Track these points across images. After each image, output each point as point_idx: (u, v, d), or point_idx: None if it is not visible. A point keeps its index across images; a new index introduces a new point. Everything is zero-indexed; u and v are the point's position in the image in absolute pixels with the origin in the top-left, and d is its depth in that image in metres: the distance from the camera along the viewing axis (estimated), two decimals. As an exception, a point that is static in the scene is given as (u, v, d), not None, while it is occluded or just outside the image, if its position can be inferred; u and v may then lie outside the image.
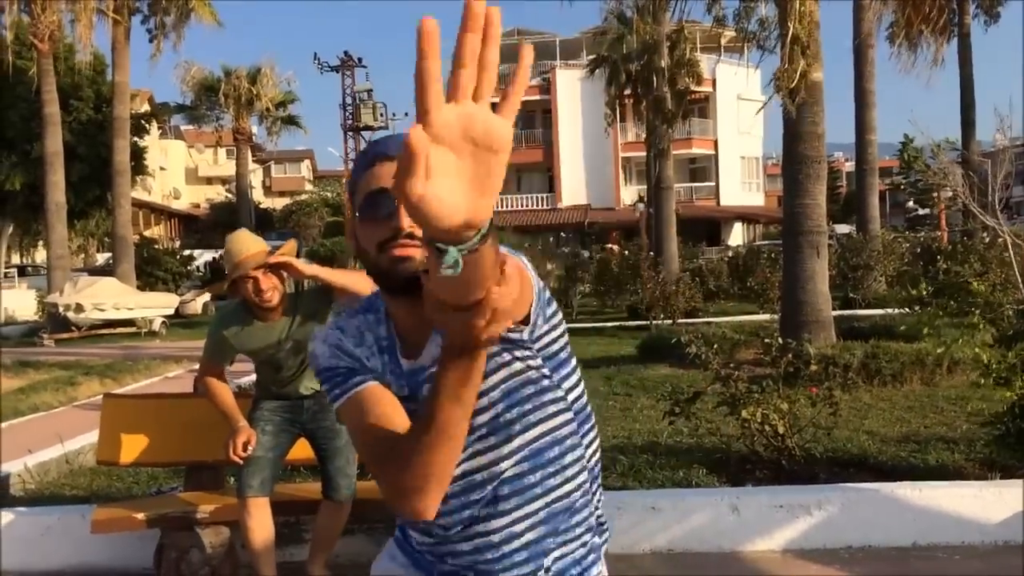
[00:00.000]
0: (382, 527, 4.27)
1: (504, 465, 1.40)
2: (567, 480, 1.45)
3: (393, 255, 1.33)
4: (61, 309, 18.05)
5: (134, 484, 5.41)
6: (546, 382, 1.41)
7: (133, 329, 18.68)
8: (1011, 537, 4.10)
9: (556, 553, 1.47)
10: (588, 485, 1.49)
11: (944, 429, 6.03)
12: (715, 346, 5.69)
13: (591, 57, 33.20)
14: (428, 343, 1.39)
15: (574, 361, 1.49)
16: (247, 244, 3.36)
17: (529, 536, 1.44)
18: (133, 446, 4.14)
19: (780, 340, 7.13)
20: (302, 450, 3.70)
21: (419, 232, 1.28)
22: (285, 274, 3.39)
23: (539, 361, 1.41)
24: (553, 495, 1.44)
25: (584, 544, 1.50)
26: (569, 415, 1.44)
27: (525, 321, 1.33)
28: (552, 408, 1.42)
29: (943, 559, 3.99)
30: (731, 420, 5.15)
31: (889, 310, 12.94)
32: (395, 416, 1.34)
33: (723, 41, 30.46)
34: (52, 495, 5.29)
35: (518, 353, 1.38)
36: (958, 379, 7.77)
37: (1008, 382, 4.58)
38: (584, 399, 1.50)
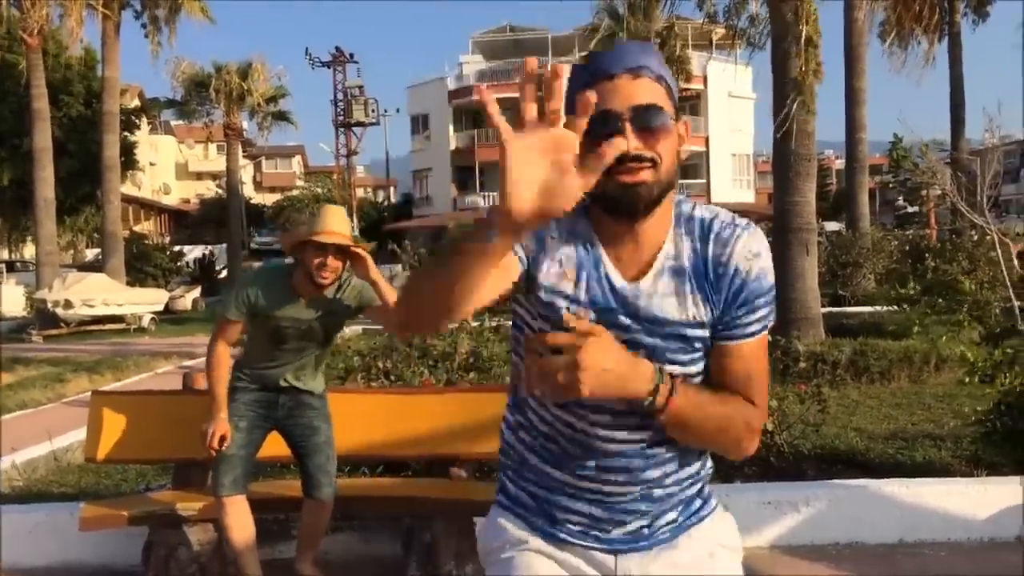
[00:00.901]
0: (372, 523, 4.27)
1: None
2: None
3: (622, 180, 1.33)
4: (50, 305, 17.97)
5: (122, 481, 5.40)
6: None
7: (122, 325, 18.62)
8: (997, 534, 4.13)
9: (687, 492, 1.56)
10: None
11: (931, 426, 6.06)
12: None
13: (583, 54, 33.21)
14: (653, 269, 1.41)
15: None
16: (340, 221, 3.34)
17: (671, 488, 1.53)
18: (121, 443, 4.12)
19: (769, 337, 7.19)
20: (286, 447, 3.68)
21: (647, 154, 1.34)
22: (347, 266, 3.40)
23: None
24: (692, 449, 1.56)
25: (702, 481, 1.61)
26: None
27: None
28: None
29: (930, 556, 4.01)
30: (720, 417, 5.16)
31: (878, 307, 12.99)
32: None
33: (714, 38, 30.48)
34: (40, 492, 5.27)
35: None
36: (946, 376, 7.81)
37: (993, 379, 4.62)
38: None
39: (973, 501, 4.18)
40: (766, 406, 1.48)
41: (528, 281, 1.44)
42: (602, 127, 1.31)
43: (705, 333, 1.44)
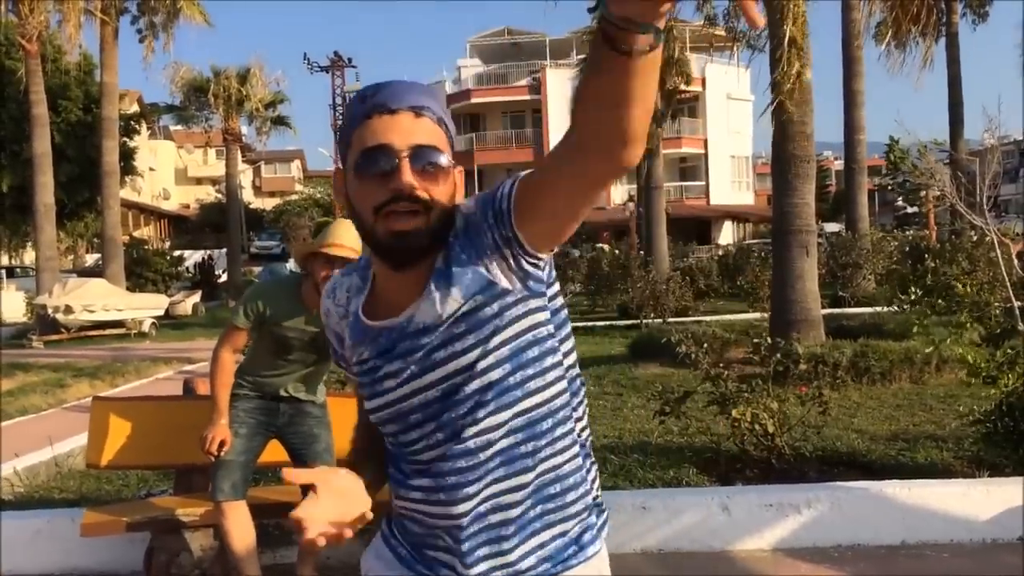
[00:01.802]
0: (371, 528, 4.27)
1: (498, 434, 1.33)
2: (559, 452, 1.38)
3: (393, 228, 1.26)
4: (50, 311, 17.97)
5: (124, 487, 5.39)
6: (550, 343, 1.34)
7: (123, 330, 18.61)
8: (999, 535, 4.12)
9: (551, 531, 1.39)
10: (581, 460, 1.42)
11: (933, 427, 6.06)
12: (705, 345, 5.71)
13: (581, 57, 33.24)
14: (414, 303, 1.32)
15: (569, 324, 1.43)
16: (350, 235, 3.33)
17: (517, 510, 1.37)
18: (122, 449, 4.12)
19: (770, 339, 7.17)
20: (286, 454, 3.68)
21: (421, 194, 1.26)
22: None
23: (548, 315, 1.35)
24: (544, 466, 1.37)
25: (581, 521, 1.42)
26: (564, 384, 1.38)
27: (539, 252, 1.28)
28: (552, 375, 1.35)
29: (932, 557, 4.01)
30: (721, 419, 5.16)
31: (878, 308, 13.00)
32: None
33: (713, 40, 30.53)
34: (41, 498, 5.27)
35: (533, 303, 1.32)
36: (947, 377, 7.81)
37: (995, 380, 4.61)
38: (576, 368, 1.44)
39: (975, 502, 4.18)
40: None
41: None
42: (378, 163, 1.26)
43: (507, 295, 1.29)
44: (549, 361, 1.35)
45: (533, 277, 1.31)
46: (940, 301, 6.21)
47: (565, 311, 1.40)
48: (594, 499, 1.45)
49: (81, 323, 18.27)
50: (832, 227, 31.48)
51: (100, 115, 21.54)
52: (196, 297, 24.66)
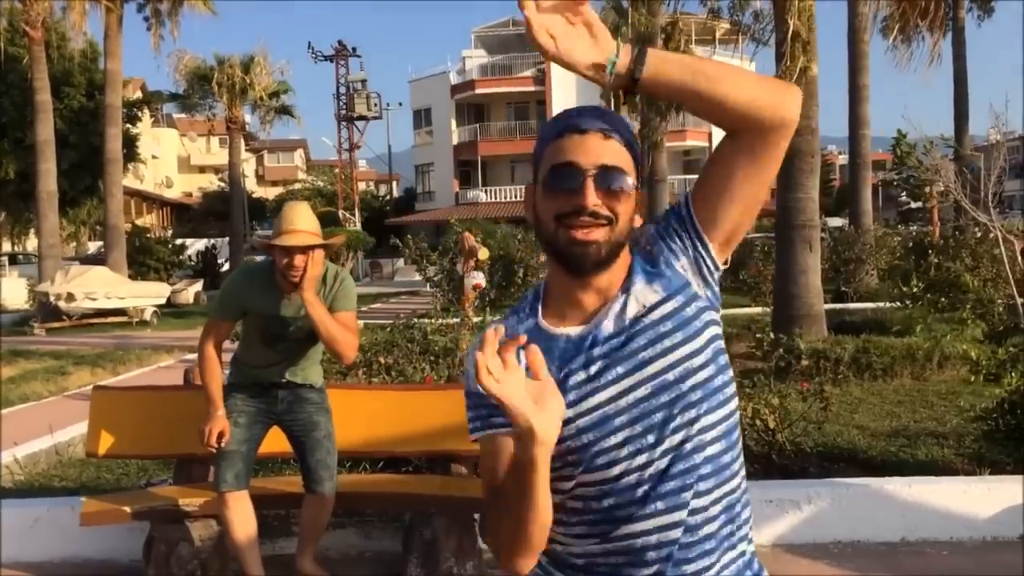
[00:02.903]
0: (372, 519, 4.27)
1: (708, 436, 1.32)
2: (741, 467, 1.38)
3: (574, 236, 1.31)
4: (52, 298, 17.97)
5: (124, 476, 5.40)
6: (726, 357, 1.38)
7: (124, 318, 18.61)
8: (1000, 533, 4.12)
9: (734, 551, 1.37)
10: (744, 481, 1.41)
11: (934, 424, 6.05)
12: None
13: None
14: (607, 306, 1.35)
15: None
16: (301, 218, 3.32)
17: (720, 521, 1.34)
18: (123, 438, 4.12)
19: (772, 334, 7.16)
20: (287, 443, 3.68)
21: (603, 212, 1.31)
22: (323, 257, 3.38)
23: (721, 331, 1.41)
24: (737, 480, 1.36)
25: (751, 543, 1.42)
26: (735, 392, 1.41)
27: (718, 258, 1.38)
28: (734, 385, 1.39)
29: (931, 554, 4.01)
30: (722, 414, 5.15)
31: (881, 304, 12.98)
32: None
33: (718, 34, 30.45)
34: (41, 486, 5.28)
35: (715, 316, 1.38)
36: (948, 374, 7.80)
37: (998, 378, 4.60)
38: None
39: (975, 500, 4.17)
40: None
41: None
42: (564, 180, 1.32)
43: (701, 300, 1.37)
44: (731, 372, 1.39)
45: (712, 289, 1.40)
46: (943, 297, 6.18)
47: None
48: (750, 514, 1.44)
49: (83, 310, 18.27)
50: (835, 222, 31.39)
51: (103, 102, 21.53)
52: (198, 286, 24.66)
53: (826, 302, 10.33)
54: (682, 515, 1.30)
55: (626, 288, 1.36)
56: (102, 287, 18.48)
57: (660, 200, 22.43)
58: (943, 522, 4.15)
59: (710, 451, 1.32)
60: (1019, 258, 6.07)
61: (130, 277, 21.32)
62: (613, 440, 1.31)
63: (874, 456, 5.18)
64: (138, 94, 38.68)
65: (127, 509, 3.72)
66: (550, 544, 1.37)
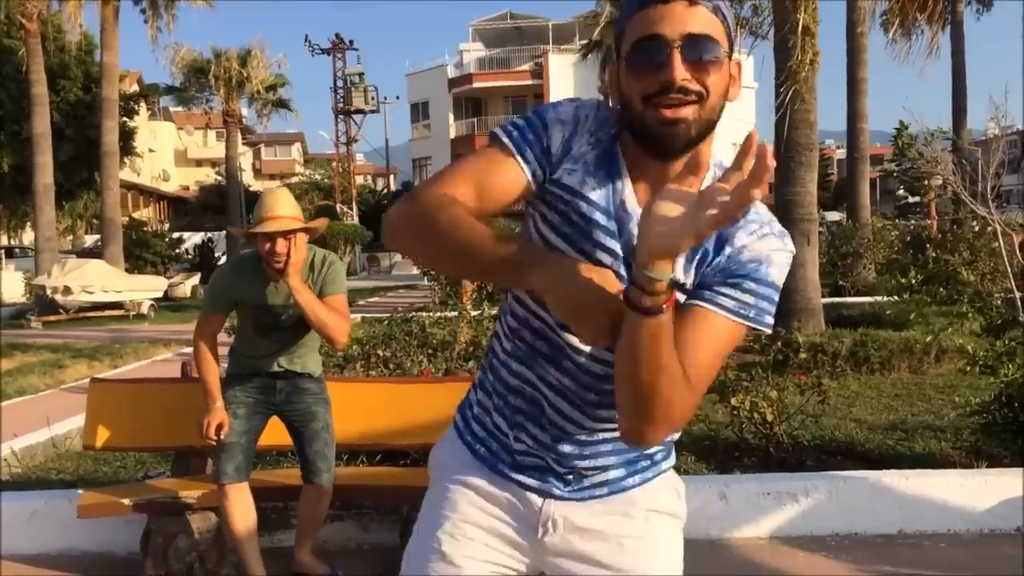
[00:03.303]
0: (370, 512, 4.27)
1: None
2: None
3: (663, 116, 1.23)
4: (49, 291, 17.94)
5: (121, 469, 5.39)
6: None
7: (121, 312, 18.59)
8: (997, 525, 4.12)
9: (639, 452, 1.49)
10: None
11: (931, 417, 6.06)
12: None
13: (584, 42, 33.10)
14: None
15: None
16: (280, 204, 3.31)
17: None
18: (120, 431, 4.11)
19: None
20: (286, 435, 3.67)
21: (693, 86, 1.24)
22: (306, 242, 3.37)
23: None
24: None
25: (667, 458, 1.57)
26: None
27: None
28: None
29: (928, 547, 4.01)
30: (720, 407, 5.16)
31: (878, 298, 12.99)
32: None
33: (716, 27, 30.39)
34: (39, 479, 5.27)
35: None
36: (946, 367, 7.81)
37: (995, 370, 4.60)
38: None
39: (973, 492, 4.17)
40: (697, 399, 1.28)
41: (542, 184, 1.36)
42: (648, 54, 1.23)
43: (681, 298, 1.32)
44: None
45: None
46: (941, 290, 6.19)
47: None
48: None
49: (79, 304, 18.25)
50: (833, 216, 31.40)
51: (100, 95, 21.45)
52: (195, 279, 24.63)
53: (824, 296, 10.35)
54: (591, 396, 1.42)
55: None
56: (99, 281, 18.45)
57: (658, 194, 22.34)
58: (940, 514, 4.16)
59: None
60: (1017, 252, 6.07)
61: (127, 271, 21.30)
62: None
63: (871, 449, 5.19)
64: (135, 87, 38.59)
65: (125, 501, 3.71)
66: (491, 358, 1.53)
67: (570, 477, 1.47)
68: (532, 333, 1.43)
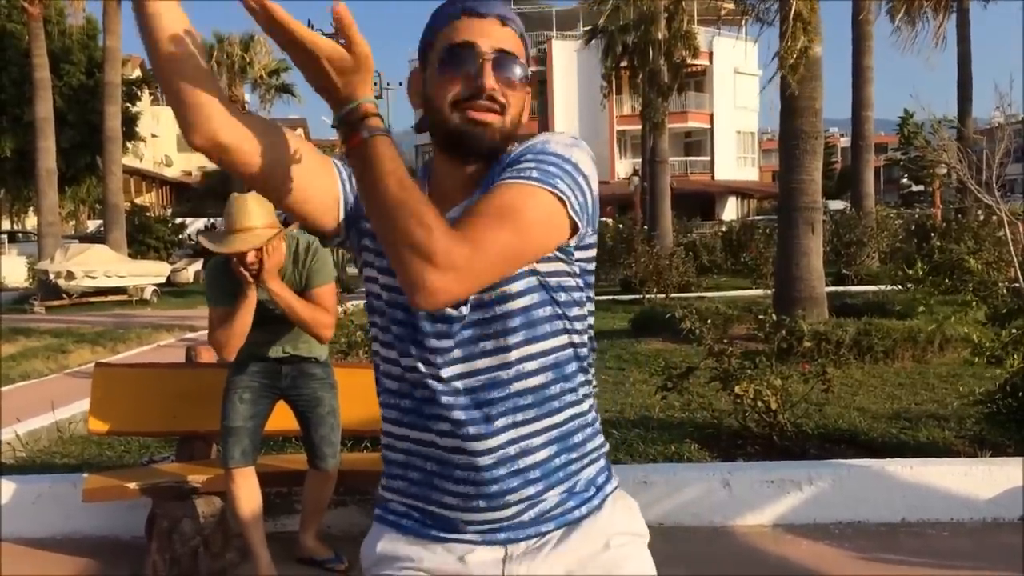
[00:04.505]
0: (373, 497, 4.27)
1: (531, 366, 1.32)
2: (582, 399, 1.40)
3: (471, 116, 1.28)
4: (52, 276, 17.97)
5: (125, 453, 5.41)
6: (577, 295, 1.37)
7: (124, 297, 18.62)
8: (1000, 514, 4.12)
9: (575, 478, 1.39)
10: (595, 410, 1.45)
11: (935, 406, 6.05)
12: (708, 321, 5.69)
13: (587, 28, 32.93)
14: (463, 203, 1.30)
15: (592, 282, 1.44)
16: (247, 215, 3.26)
17: (544, 453, 1.35)
18: (124, 415, 4.12)
19: (774, 316, 7.15)
20: (290, 421, 3.67)
21: (499, 97, 1.29)
22: (281, 244, 3.35)
23: (577, 271, 1.37)
24: (570, 411, 1.38)
25: (597, 465, 1.44)
26: (585, 336, 1.40)
27: (573, 231, 1.29)
28: (577, 321, 1.37)
29: (932, 535, 4.02)
30: (723, 395, 5.16)
31: (882, 287, 12.97)
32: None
33: (721, 13, 30.29)
34: (43, 463, 5.28)
35: (562, 256, 1.33)
36: (949, 356, 7.80)
37: (1000, 361, 4.59)
38: (592, 320, 1.44)
39: (976, 481, 4.17)
40: (479, 252, 1.15)
41: (354, 218, 1.38)
42: (462, 60, 1.28)
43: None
44: (575, 310, 1.37)
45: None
46: (946, 280, 6.17)
47: (592, 275, 1.42)
48: (602, 443, 1.47)
49: (83, 289, 18.28)
50: (837, 204, 31.35)
51: (103, 80, 21.39)
52: (198, 265, 24.62)
53: (828, 285, 10.33)
54: (495, 442, 1.32)
55: (487, 186, 1.29)
56: (101, 266, 18.47)
57: (662, 181, 22.33)
58: (944, 503, 4.16)
59: (532, 383, 1.33)
60: (1022, 240, 6.05)
61: (130, 256, 21.30)
62: (438, 343, 1.32)
63: (875, 438, 5.18)
64: (137, 72, 38.49)
65: (129, 485, 3.72)
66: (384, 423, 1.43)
67: (508, 515, 1.36)
68: (393, 346, 1.37)
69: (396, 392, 1.41)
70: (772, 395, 4.81)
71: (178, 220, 31.28)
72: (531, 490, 1.35)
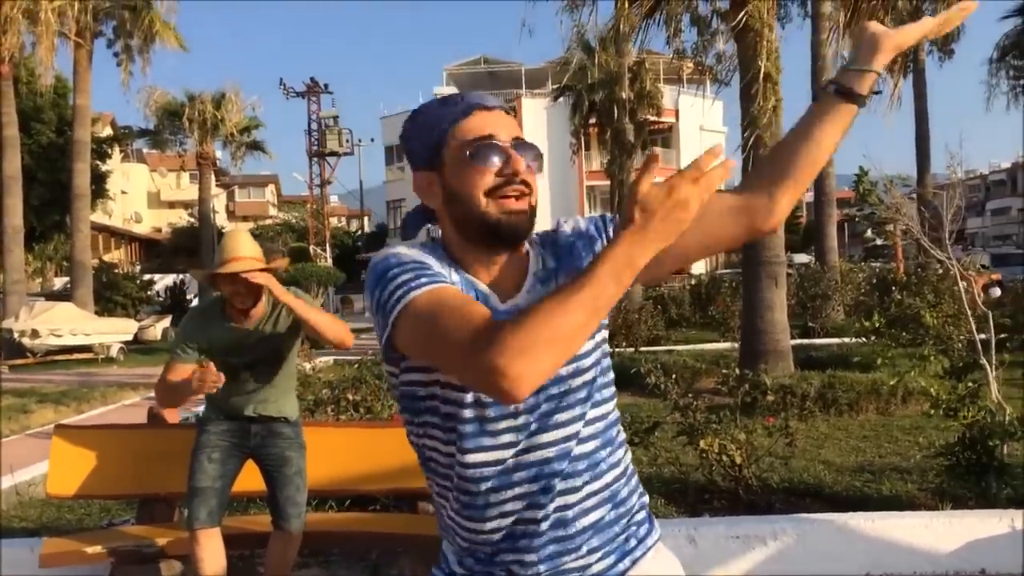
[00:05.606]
0: (339, 558, 4.23)
1: (589, 430, 1.40)
2: (624, 456, 1.50)
3: (509, 206, 1.34)
4: (16, 334, 17.71)
5: (85, 516, 5.31)
6: (608, 360, 1.48)
7: (90, 355, 18.37)
8: (961, 568, 4.16)
9: (625, 534, 1.46)
10: (631, 463, 1.53)
11: (898, 459, 6.12)
12: (674, 376, 5.74)
13: (555, 86, 33.51)
14: (524, 286, 1.40)
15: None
16: (242, 246, 3.34)
17: (599, 513, 1.42)
18: (85, 478, 4.07)
19: (739, 369, 7.23)
20: (255, 481, 3.65)
21: (531, 179, 1.37)
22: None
23: (606, 336, 1.48)
24: (616, 471, 1.45)
25: (640, 517, 1.50)
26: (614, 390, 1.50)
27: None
28: (612, 384, 1.48)
29: (895, 589, 4.04)
30: (690, 450, 5.19)
31: (846, 339, 13.14)
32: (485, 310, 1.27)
33: (685, 73, 30.99)
34: (1, 527, 5.17)
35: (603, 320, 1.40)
36: (912, 408, 7.90)
37: (956, 413, 4.68)
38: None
39: (938, 534, 4.22)
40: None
41: None
42: (491, 150, 1.35)
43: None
44: (611, 375, 1.48)
45: None
46: (904, 333, 6.30)
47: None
48: (642, 493, 1.54)
49: (48, 347, 18.03)
50: (801, 258, 31.82)
51: (72, 138, 21.40)
52: (166, 321, 24.41)
53: (793, 338, 10.46)
54: (548, 511, 1.37)
55: (546, 270, 1.44)
56: (67, 323, 18.26)
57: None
58: (907, 557, 4.19)
59: (587, 448, 1.40)
60: (978, 294, 6.20)
61: (97, 313, 21.08)
62: (504, 424, 1.36)
63: (839, 491, 5.23)
64: (108, 130, 38.51)
65: (89, 550, 3.66)
66: (447, 520, 1.47)
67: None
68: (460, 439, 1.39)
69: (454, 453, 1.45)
70: (737, 449, 4.85)
71: (147, 276, 31.07)
72: (583, 550, 1.41)
